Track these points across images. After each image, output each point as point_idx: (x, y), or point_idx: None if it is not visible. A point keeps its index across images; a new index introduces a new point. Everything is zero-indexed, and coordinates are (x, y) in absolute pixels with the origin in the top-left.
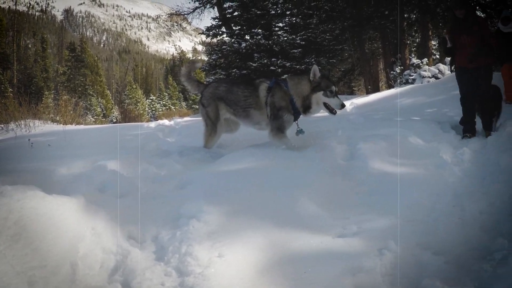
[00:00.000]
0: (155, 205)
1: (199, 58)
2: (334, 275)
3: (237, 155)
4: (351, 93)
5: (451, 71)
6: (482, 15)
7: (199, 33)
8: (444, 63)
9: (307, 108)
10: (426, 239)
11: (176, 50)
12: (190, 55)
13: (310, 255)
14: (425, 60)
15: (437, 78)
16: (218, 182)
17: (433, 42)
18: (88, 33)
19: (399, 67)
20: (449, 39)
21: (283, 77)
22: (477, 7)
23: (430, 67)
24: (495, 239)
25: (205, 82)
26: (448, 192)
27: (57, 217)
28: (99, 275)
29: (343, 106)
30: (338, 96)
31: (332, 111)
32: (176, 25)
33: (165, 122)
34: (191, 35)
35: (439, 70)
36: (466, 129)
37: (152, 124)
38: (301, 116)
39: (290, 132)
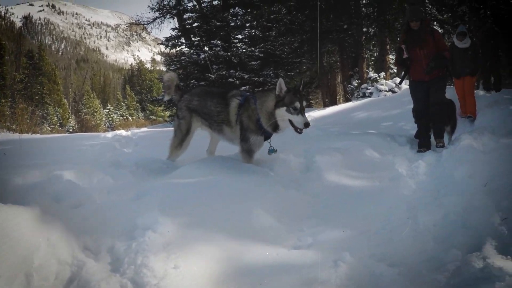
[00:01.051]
0: (111, 216)
1: (158, 68)
2: (289, 286)
3: (193, 167)
4: (309, 106)
5: (400, 83)
6: (440, 31)
7: (158, 43)
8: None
9: (276, 126)
10: (380, 251)
11: (134, 60)
12: (148, 65)
13: (266, 267)
14: (382, 74)
15: (393, 92)
16: (174, 193)
17: (390, 57)
18: (46, 41)
19: (356, 81)
20: (405, 49)
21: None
22: (435, 22)
23: (387, 81)
24: (449, 250)
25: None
26: (402, 204)
27: (12, 227)
28: (54, 286)
29: (306, 125)
30: (304, 113)
31: (296, 129)
32: (136, 35)
33: (122, 132)
34: (150, 45)
35: (395, 84)
36: (421, 143)
37: (109, 135)
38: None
39: (262, 151)
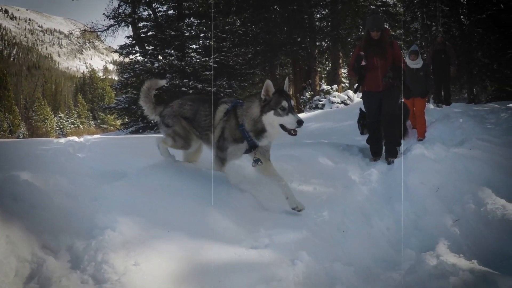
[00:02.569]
0: (69, 216)
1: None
2: (248, 283)
3: (152, 170)
4: None
5: (355, 92)
6: None
7: (111, 51)
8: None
9: (259, 134)
10: (335, 252)
11: (87, 68)
12: (101, 74)
13: (225, 265)
14: (334, 86)
15: (346, 104)
16: (132, 196)
17: (343, 70)
18: None
19: (309, 93)
20: (364, 57)
21: None
22: None
23: (339, 94)
24: (402, 251)
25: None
26: (356, 210)
27: None
28: (14, 283)
29: (300, 123)
30: (294, 111)
31: (290, 132)
32: (89, 43)
33: (75, 138)
34: (102, 53)
35: (348, 96)
36: (373, 151)
37: (62, 140)
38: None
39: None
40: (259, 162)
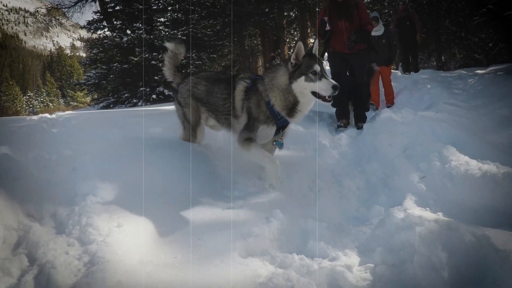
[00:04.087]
0: (50, 186)
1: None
2: (226, 240)
3: (127, 141)
4: None
5: (321, 56)
6: None
7: (79, 28)
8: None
9: (292, 109)
10: (308, 210)
11: (54, 46)
12: (68, 51)
13: (203, 225)
14: None
15: None
16: (110, 164)
17: (311, 40)
18: None
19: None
20: (328, 21)
21: None
22: None
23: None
24: (372, 207)
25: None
26: (327, 172)
27: None
28: (2, 250)
29: (335, 88)
30: (327, 76)
31: (324, 99)
32: (55, 20)
33: (47, 115)
34: (69, 30)
35: (327, 61)
36: (338, 114)
37: (35, 117)
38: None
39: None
40: (279, 146)
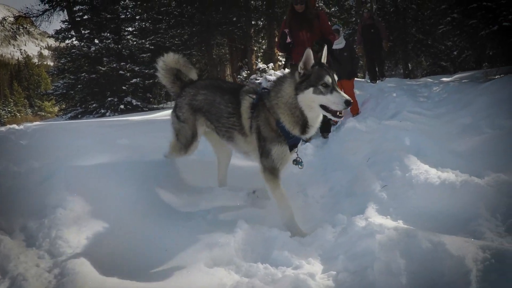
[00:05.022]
0: (20, 198)
1: (45, 63)
2: (194, 249)
3: (95, 151)
4: None
5: (284, 68)
6: None
7: (47, 37)
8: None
9: (304, 125)
10: (272, 220)
11: (21, 54)
12: (36, 60)
13: (170, 236)
14: (271, 65)
15: None
16: (79, 176)
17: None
18: None
19: (246, 72)
20: (289, 33)
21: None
22: None
23: (275, 72)
24: (336, 216)
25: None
26: (292, 181)
27: None
28: None
29: (348, 103)
30: (339, 89)
31: (334, 114)
32: (23, 28)
33: (15, 126)
34: (37, 39)
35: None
36: None
37: (3, 128)
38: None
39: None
40: (300, 165)
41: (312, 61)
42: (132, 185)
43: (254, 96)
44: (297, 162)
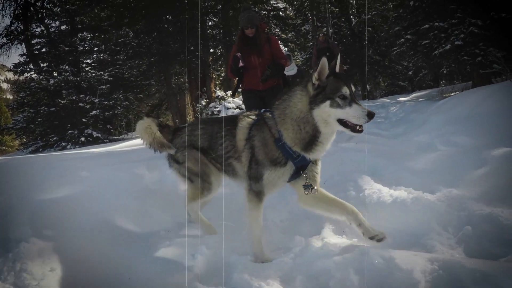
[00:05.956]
0: None
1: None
2: (159, 273)
3: (60, 182)
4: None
5: (233, 95)
6: (285, 50)
7: (6, 70)
8: None
9: (310, 142)
10: (232, 244)
11: None
12: None
13: (136, 265)
14: (229, 92)
15: (241, 109)
16: (42, 209)
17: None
18: None
19: (205, 100)
20: (241, 57)
21: None
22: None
23: (234, 99)
24: (294, 238)
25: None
26: None
27: None
28: None
29: (371, 115)
30: (356, 100)
31: (354, 129)
32: None
33: None
34: None
35: (242, 101)
36: None
37: None
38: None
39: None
40: (312, 189)
41: (327, 71)
42: (93, 215)
43: (254, 117)
44: (306, 186)
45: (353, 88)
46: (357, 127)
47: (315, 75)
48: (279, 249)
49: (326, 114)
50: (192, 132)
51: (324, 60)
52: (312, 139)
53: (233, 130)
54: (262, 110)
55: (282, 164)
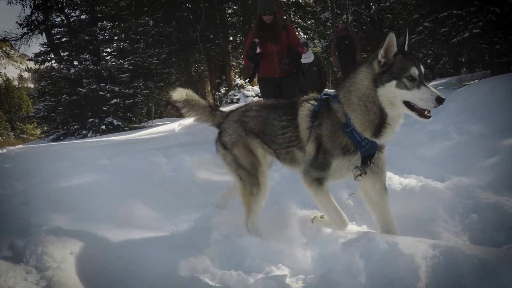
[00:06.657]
0: (6, 220)
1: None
2: (174, 257)
3: (79, 170)
4: (180, 116)
5: (250, 81)
6: (304, 37)
7: (27, 60)
8: None
9: (380, 125)
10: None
11: (1, 77)
12: (16, 83)
13: (152, 249)
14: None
15: (260, 97)
16: (62, 195)
17: None
18: None
19: (224, 88)
20: (258, 44)
21: None
22: (299, 29)
23: (253, 87)
24: (305, 224)
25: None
26: (269, 193)
27: None
28: None
29: (439, 100)
30: (426, 83)
31: (421, 113)
32: (2, 52)
33: None
34: (16, 61)
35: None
36: None
37: None
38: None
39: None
40: (363, 173)
41: (395, 49)
42: (112, 200)
43: (316, 103)
44: (356, 168)
45: (422, 69)
46: (425, 112)
47: (381, 51)
48: (291, 236)
49: (392, 95)
50: (243, 114)
51: (391, 36)
52: (381, 121)
53: (294, 120)
54: (323, 95)
55: (352, 152)
